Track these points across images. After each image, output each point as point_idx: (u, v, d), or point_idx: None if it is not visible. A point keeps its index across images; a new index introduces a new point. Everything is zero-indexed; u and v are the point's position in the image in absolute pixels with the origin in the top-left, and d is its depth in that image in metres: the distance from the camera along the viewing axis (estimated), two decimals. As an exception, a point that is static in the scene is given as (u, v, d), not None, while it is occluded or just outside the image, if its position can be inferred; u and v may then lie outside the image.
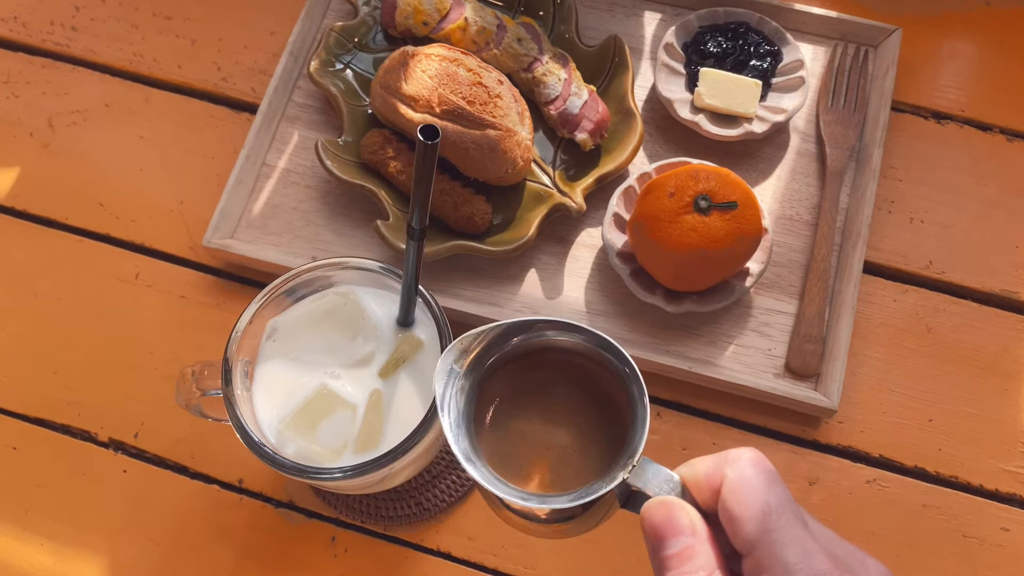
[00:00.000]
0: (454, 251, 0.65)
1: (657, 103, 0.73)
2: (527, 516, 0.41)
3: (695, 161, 0.65)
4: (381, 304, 0.54)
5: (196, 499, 0.64)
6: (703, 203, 0.59)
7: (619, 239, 0.66)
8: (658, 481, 0.37)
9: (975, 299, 0.68)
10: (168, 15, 0.79)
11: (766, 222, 0.64)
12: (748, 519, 0.34)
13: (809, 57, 0.74)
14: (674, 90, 0.71)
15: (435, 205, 0.66)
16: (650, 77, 0.74)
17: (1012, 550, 0.61)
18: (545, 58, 0.69)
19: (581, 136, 0.67)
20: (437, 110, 0.64)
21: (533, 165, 0.69)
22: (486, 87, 0.65)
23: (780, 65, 0.71)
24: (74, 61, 0.78)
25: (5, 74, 0.78)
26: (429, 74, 0.65)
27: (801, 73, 0.70)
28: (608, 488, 0.37)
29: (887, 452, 0.64)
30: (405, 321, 0.54)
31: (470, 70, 0.65)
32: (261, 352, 0.54)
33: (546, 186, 0.68)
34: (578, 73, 0.69)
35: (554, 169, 0.69)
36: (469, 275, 0.67)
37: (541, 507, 0.39)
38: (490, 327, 0.42)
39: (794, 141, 0.72)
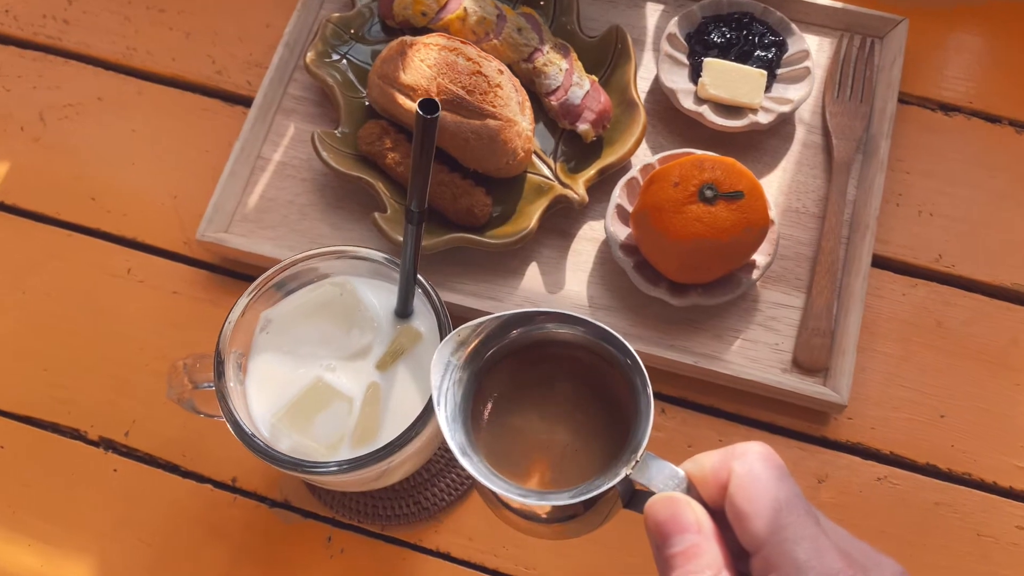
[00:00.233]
0: (453, 244, 0.63)
1: (660, 94, 0.71)
2: (527, 515, 0.40)
3: (699, 152, 0.64)
4: (378, 295, 0.53)
5: (188, 499, 0.62)
6: (709, 193, 0.58)
7: (622, 231, 0.64)
8: (662, 477, 0.36)
9: (985, 293, 0.66)
10: (162, 8, 0.78)
11: (772, 214, 0.62)
12: (757, 515, 0.32)
13: (814, 48, 0.72)
14: (677, 81, 0.69)
15: (433, 197, 0.64)
16: (652, 69, 0.72)
17: (1027, 549, 0.60)
18: (546, 48, 0.68)
19: (583, 127, 0.66)
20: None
21: (534, 157, 0.68)
22: (486, 76, 0.63)
23: (785, 56, 0.70)
24: (66, 54, 0.77)
25: (-4, 67, 0.77)
26: (428, 63, 0.64)
27: (807, 64, 0.69)
28: (610, 484, 0.36)
29: (898, 449, 0.62)
30: (403, 312, 0.52)
31: (469, 59, 0.64)
32: (254, 344, 0.52)
33: (547, 178, 0.67)
34: (579, 63, 0.68)
35: (555, 161, 0.68)
36: (468, 269, 0.66)
37: (541, 504, 0.37)
38: (489, 318, 0.40)
39: (800, 133, 0.70)
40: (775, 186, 0.68)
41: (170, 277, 0.69)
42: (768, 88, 0.69)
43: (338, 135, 0.67)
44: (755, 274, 0.62)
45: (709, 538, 0.33)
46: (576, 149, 0.68)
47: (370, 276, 0.53)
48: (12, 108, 0.75)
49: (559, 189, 0.65)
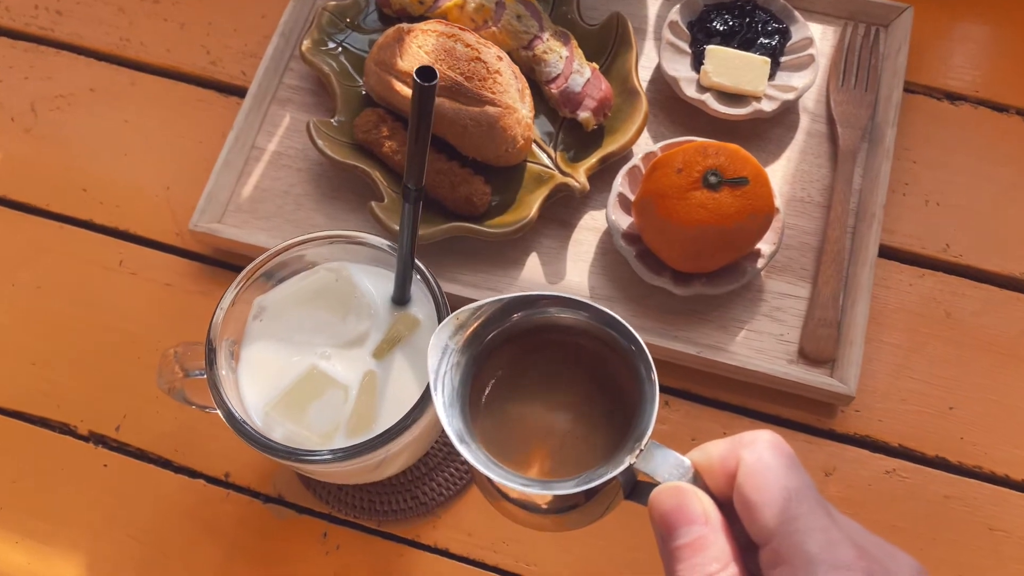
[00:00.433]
0: (451, 233, 0.62)
1: (661, 83, 0.70)
2: (526, 506, 0.38)
3: (702, 140, 0.62)
4: (375, 281, 0.52)
5: (180, 494, 0.61)
6: (713, 179, 0.56)
7: (624, 220, 0.63)
8: (668, 466, 0.34)
9: (994, 283, 0.65)
10: (156, -2, 0.77)
11: (777, 202, 0.61)
12: (766, 505, 0.31)
13: (818, 37, 0.71)
14: (679, 69, 0.68)
15: (431, 186, 0.63)
16: (654, 58, 0.71)
17: (1040, 543, 0.58)
18: (546, 36, 0.67)
19: (584, 115, 0.64)
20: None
21: (534, 146, 0.66)
22: (485, 63, 0.62)
23: (788, 44, 0.69)
24: (59, 45, 0.76)
25: (-14, 58, 0.76)
26: (425, 50, 0.62)
27: (811, 51, 0.68)
28: (614, 473, 0.34)
29: (907, 441, 0.61)
30: (401, 299, 0.51)
31: (468, 45, 0.63)
32: (247, 332, 0.51)
33: (547, 167, 0.66)
34: (580, 51, 0.67)
35: (555, 151, 0.67)
36: (467, 259, 0.64)
37: (542, 493, 0.36)
38: (489, 301, 0.39)
39: (804, 122, 0.69)
40: (779, 175, 0.67)
41: (163, 269, 0.67)
42: (771, 76, 0.68)
43: (334, 124, 0.66)
44: (760, 263, 0.61)
45: (717, 530, 0.32)
46: (576, 138, 0.67)
47: (366, 262, 0.52)
48: (3, 99, 0.74)
49: (560, 178, 0.64)
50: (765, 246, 0.61)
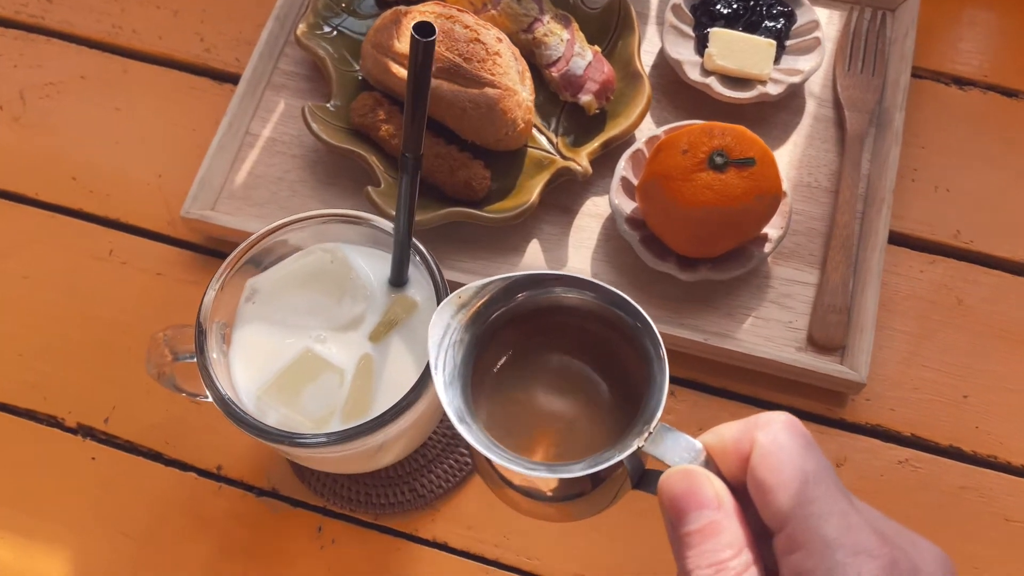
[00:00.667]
0: (450, 218, 0.61)
1: (664, 68, 0.69)
2: (529, 493, 0.36)
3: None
4: (371, 263, 0.50)
5: (171, 488, 0.59)
6: (719, 159, 0.55)
7: (628, 205, 0.61)
8: (678, 450, 0.33)
9: (1006, 269, 0.64)
10: (149, -15, 0.75)
11: (784, 187, 0.59)
12: (781, 487, 0.29)
13: (824, 20, 0.70)
14: (683, 53, 0.67)
15: (429, 170, 0.61)
16: (656, 43, 0.70)
17: (1058, 535, 0.56)
18: (546, 19, 0.65)
19: (585, 98, 0.63)
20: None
21: (534, 131, 0.65)
22: (484, 44, 0.61)
23: (794, 27, 0.67)
24: (49, 33, 0.74)
25: (-25, 46, 0.74)
26: (423, 31, 0.61)
27: (816, 34, 0.66)
28: (622, 456, 0.33)
29: (919, 431, 0.59)
30: (398, 280, 0.49)
31: (467, 27, 0.61)
32: (239, 315, 0.49)
33: (548, 152, 0.64)
34: (581, 34, 0.65)
35: (556, 136, 0.65)
36: (466, 246, 0.63)
37: (548, 476, 0.34)
38: (494, 279, 0.37)
39: (810, 106, 0.68)
40: (786, 160, 0.65)
41: (154, 258, 0.66)
42: (777, 60, 0.66)
43: (330, 108, 0.64)
44: (767, 247, 0.59)
45: (730, 515, 0.30)
46: (578, 124, 0.65)
47: (363, 243, 0.50)
48: (-9, 87, 0.72)
49: (561, 162, 0.63)
50: (772, 230, 0.60)
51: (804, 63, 0.66)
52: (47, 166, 0.69)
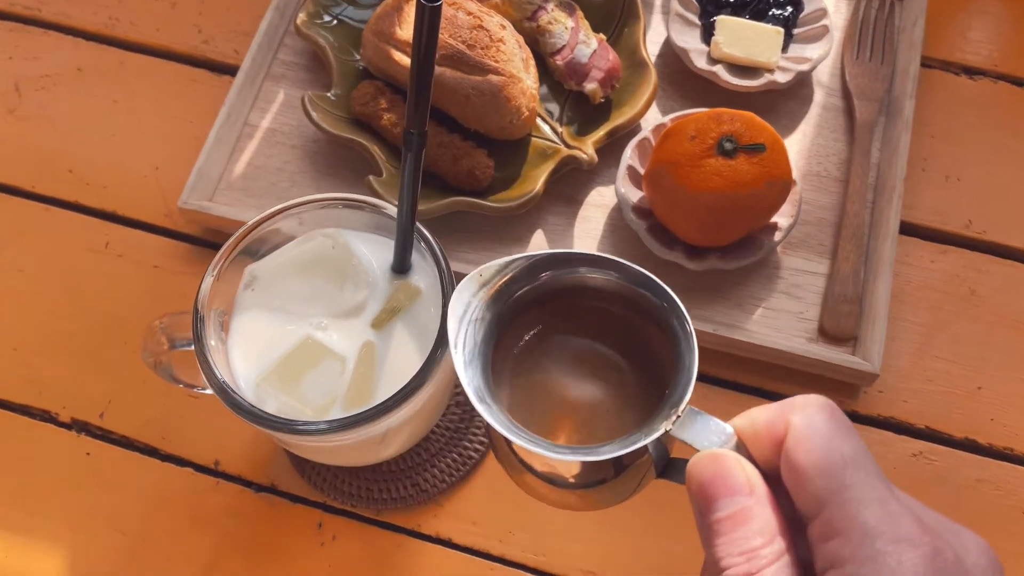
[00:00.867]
0: (453, 208, 0.59)
1: (670, 57, 0.68)
2: (550, 479, 0.35)
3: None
4: (373, 249, 0.49)
5: (168, 483, 0.57)
6: (728, 145, 0.54)
7: (634, 194, 0.60)
8: (707, 434, 0.31)
9: (1019, 259, 0.62)
10: (146, -23, 0.74)
11: (794, 175, 0.58)
12: (818, 472, 0.28)
13: (831, 8, 0.69)
14: (689, 41, 0.66)
15: (432, 159, 0.60)
16: (662, 32, 0.69)
17: (1077, 529, 0.55)
18: (550, 6, 0.64)
19: (590, 86, 0.62)
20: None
21: (538, 121, 0.64)
22: (488, 31, 0.60)
23: (802, 15, 0.66)
24: (45, 25, 0.73)
25: (-30, 38, 0.73)
26: (425, 18, 0.60)
27: (824, 22, 0.65)
28: (649, 439, 0.31)
29: (933, 423, 0.58)
30: (401, 267, 0.48)
31: (470, 13, 0.60)
32: (238, 302, 0.48)
33: (553, 142, 0.63)
34: (586, 22, 0.64)
35: (561, 126, 0.64)
36: (469, 236, 0.62)
37: (571, 459, 0.33)
38: (517, 258, 0.36)
39: (818, 95, 0.66)
40: (794, 150, 0.64)
41: (151, 251, 0.64)
42: (784, 48, 0.65)
43: (331, 97, 0.63)
44: (777, 236, 0.58)
45: (762, 501, 0.29)
46: (583, 113, 0.64)
47: (365, 229, 0.49)
48: (-14, 79, 0.71)
49: (566, 151, 0.61)
50: (782, 219, 0.59)
51: (812, 51, 0.65)
52: (43, 158, 0.68)
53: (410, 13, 0.60)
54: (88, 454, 0.58)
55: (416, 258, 0.48)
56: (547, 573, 0.55)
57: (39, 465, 0.58)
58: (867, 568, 0.26)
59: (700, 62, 0.64)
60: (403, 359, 0.46)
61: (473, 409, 0.57)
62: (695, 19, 0.67)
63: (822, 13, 0.66)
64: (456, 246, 0.61)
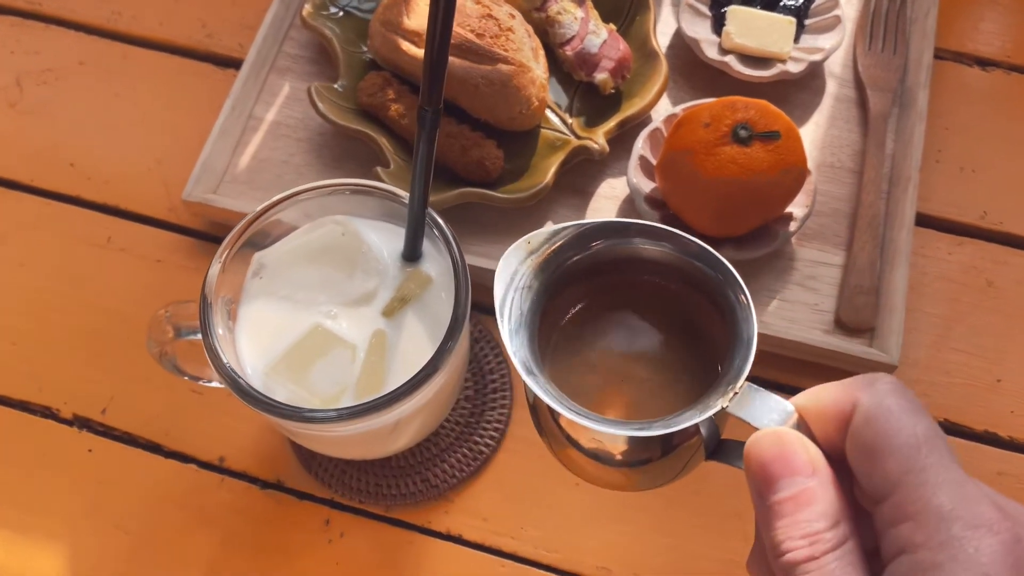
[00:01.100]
0: (462, 199, 0.58)
1: (680, 48, 0.67)
2: (597, 455, 0.34)
3: (727, 99, 0.59)
4: (384, 236, 0.48)
5: (171, 480, 0.56)
6: (743, 132, 0.53)
7: (646, 184, 0.59)
8: (767, 411, 0.30)
9: (1037, 251, 0.62)
10: (149, -29, 0.74)
11: (809, 164, 0.57)
12: (890, 453, 0.26)
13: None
14: (700, 31, 0.65)
15: (441, 150, 0.59)
16: (671, 23, 0.68)
17: (1102, 523, 0.54)
18: (559, -3, 0.63)
19: (601, 76, 0.61)
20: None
21: (548, 112, 0.63)
22: (497, 20, 0.59)
23: (813, 5, 0.65)
24: (47, 19, 0.72)
25: (-30, 32, 0.72)
26: (433, 7, 0.59)
27: (836, 13, 0.64)
28: (704, 416, 0.30)
29: (953, 416, 0.57)
30: (412, 254, 0.47)
31: (479, 2, 0.59)
32: (246, 290, 0.47)
33: (562, 133, 0.62)
34: (595, 12, 0.63)
35: (570, 117, 0.63)
36: (478, 228, 0.61)
37: (621, 433, 0.31)
38: (567, 226, 0.35)
39: (831, 87, 0.66)
40: (808, 140, 0.63)
41: (154, 245, 0.63)
42: (796, 39, 0.64)
43: (337, 89, 0.62)
44: (792, 226, 0.57)
45: (825, 483, 0.27)
46: (592, 104, 0.63)
47: (374, 217, 0.48)
48: (-13, 73, 0.70)
49: (576, 142, 0.61)
50: (797, 209, 0.58)
51: (824, 41, 0.64)
52: (44, 153, 0.67)
53: (418, 2, 0.60)
54: (90, 451, 0.57)
55: (427, 246, 0.47)
56: (560, 570, 0.53)
57: (40, 462, 0.57)
58: (942, 554, 0.24)
59: (711, 52, 0.64)
60: (414, 348, 0.45)
61: (483, 404, 0.56)
62: (706, 9, 0.66)
63: (834, 3, 0.65)
64: (465, 238, 0.60)
